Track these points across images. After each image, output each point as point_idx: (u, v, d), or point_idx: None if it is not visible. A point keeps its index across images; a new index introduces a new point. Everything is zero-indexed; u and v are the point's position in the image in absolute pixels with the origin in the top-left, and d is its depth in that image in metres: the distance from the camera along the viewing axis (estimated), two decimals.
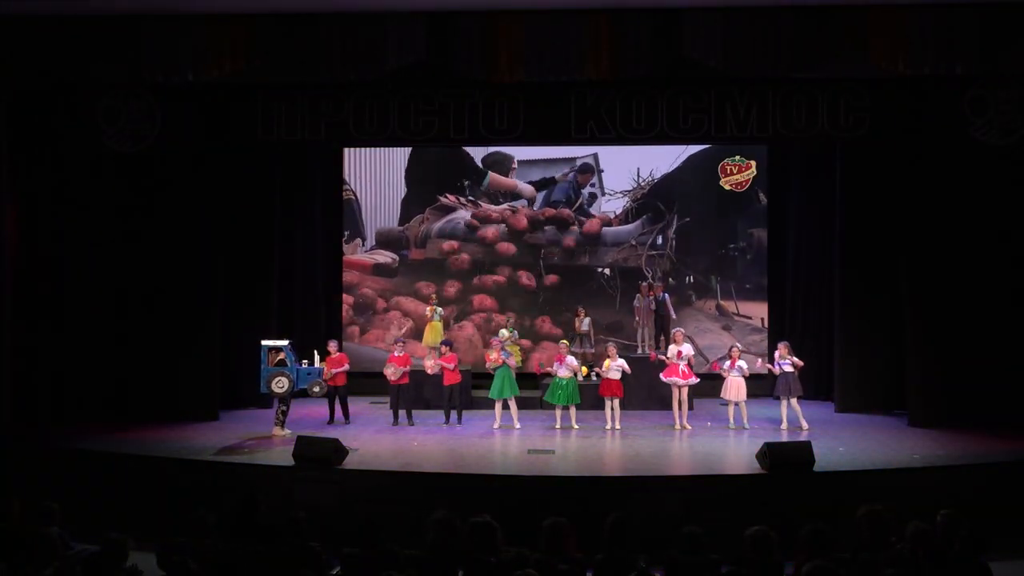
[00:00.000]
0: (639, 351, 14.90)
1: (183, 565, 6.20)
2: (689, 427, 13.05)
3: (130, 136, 13.24)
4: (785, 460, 10.33)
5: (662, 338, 14.97)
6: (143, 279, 13.65)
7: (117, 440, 11.89)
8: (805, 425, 12.80)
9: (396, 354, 13.57)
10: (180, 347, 13.49)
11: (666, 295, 15.23)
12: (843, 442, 11.94)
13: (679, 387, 13.14)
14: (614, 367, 13.07)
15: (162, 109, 13.17)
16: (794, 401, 12.90)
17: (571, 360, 13.17)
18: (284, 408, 12.59)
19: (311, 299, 15.99)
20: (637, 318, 15.15)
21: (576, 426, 13.06)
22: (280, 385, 12.48)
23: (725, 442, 12.39)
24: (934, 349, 13.16)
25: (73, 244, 13.42)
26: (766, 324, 15.86)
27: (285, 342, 12.83)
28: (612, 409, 13.09)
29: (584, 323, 15.12)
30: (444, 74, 12.02)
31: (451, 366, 13.44)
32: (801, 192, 15.61)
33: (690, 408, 13.62)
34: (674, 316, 15.24)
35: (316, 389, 12.93)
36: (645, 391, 14.03)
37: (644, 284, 15.28)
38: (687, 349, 13.34)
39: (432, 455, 11.60)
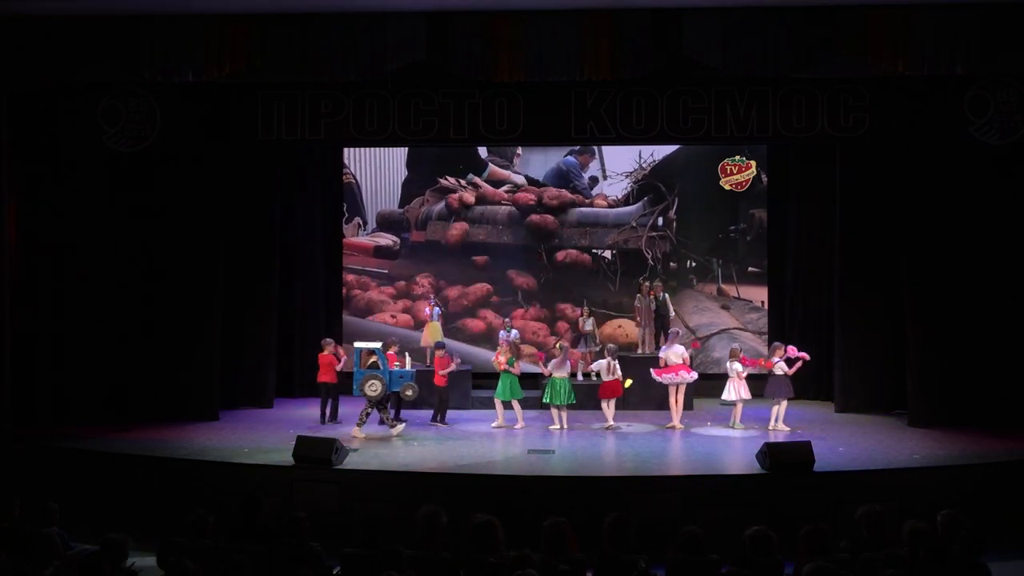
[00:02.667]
0: (639, 351, 14.90)
1: (182, 565, 6.19)
2: (681, 426, 13.02)
3: (130, 136, 13.26)
4: (785, 460, 10.32)
5: (662, 337, 14.96)
6: (143, 278, 13.67)
7: (117, 440, 11.88)
8: (784, 427, 12.76)
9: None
10: (180, 347, 13.50)
11: (666, 295, 15.23)
12: (843, 442, 11.94)
13: (674, 386, 13.13)
14: (612, 368, 13.07)
15: (162, 109, 13.18)
16: (784, 403, 12.87)
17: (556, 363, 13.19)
18: (369, 410, 12.48)
19: (312, 297, 15.97)
20: (637, 318, 15.14)
21: (566, 426, 13.04)
22: (373, 388, 12.37)
23: (725, 442, 12.39)
24: (934, 349, 13.16)
25: (73, 244, 13.42)
26: (766, 306, 15.90)
27: (378, 344, 12.78)
28: (608, 409, 13.08)
29: (588, 323, 15.10)
30: (444, 74, 12.01)
31: (445, 369, 13.42)
32: (801, 192, 15.59)
33: (689, 408, 13.63)
34: (672, 316, 15.23)
35: (409, 393, 12.76)
36: (643, 391, 14.00)
37: (644, 284, 15.27)
38: (682, 349, 13.33)
39: (432, 455, 11.59)
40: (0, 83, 11.89)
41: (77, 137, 13.27)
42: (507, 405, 13.24)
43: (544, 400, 13.30)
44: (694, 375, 13.36)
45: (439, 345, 13.82)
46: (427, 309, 15.17)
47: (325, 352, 13.61)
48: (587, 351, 14.94)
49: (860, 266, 14.20)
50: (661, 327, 14.97)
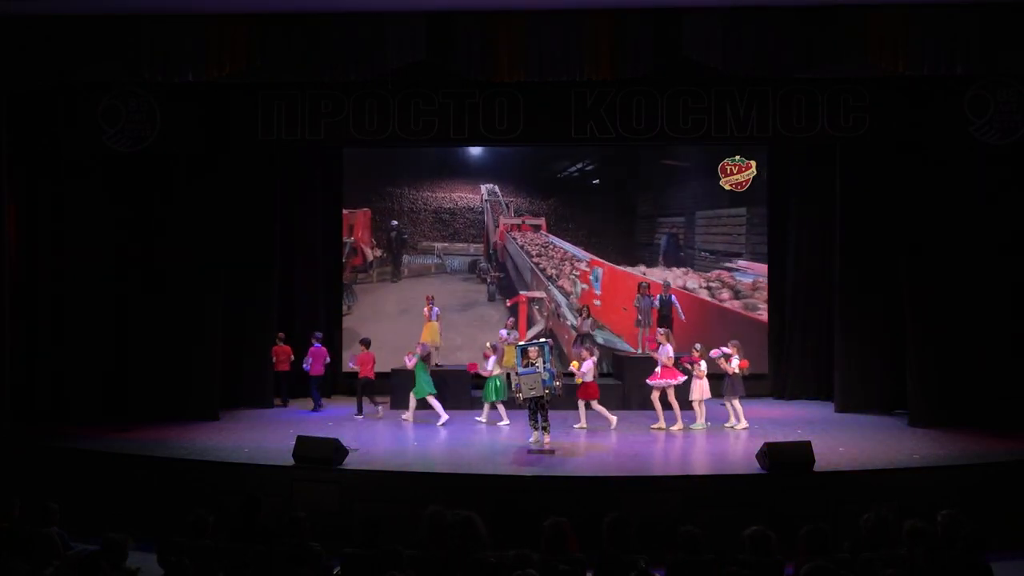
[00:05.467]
0: (639, 351, 14.90)
1: (182, 565, 6.19)
2: (681, 426, 12.93)
3: (130, 136, 13.25)
4: (785, 460, 10.31)
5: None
6: (143, 278, 13.67)
7: (117, 440, 11.88)
8: (743, 425, 12.81)
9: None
10: (180, 347, 13.51)
11: (672, 296, 15.20)
12: (843, 442, 11.93)
13: (659, 388, 13.10)
14: (586, 369, 12.95)
15: (162, 109, 13.18)
16: (736, 401, 12.89)
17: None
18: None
19: (312, 297, 15.97)
20: (639, 317, 15.14)
21: (507, 421, 13.16)
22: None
23: (724, 442, 12.39)
24: (934, 349, 13.16)
25: (73, 244, 13.43)
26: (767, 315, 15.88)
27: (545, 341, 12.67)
28: (587, 410, 12.97)
29: (587, 323, 15.10)
30: (444, 74, 12.02)
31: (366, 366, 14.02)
32: (801, 192, 15.61)
33: (685, 408, 13.59)
34: (683, 318, 15.17)
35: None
36: (643, 391, 13.98)
37: (643, 284, 15.27)
38: (667, 350, 13.24)
39: (432, 455, 11.60)
40: (0, 83, 11.89)
41: (77, 137, 13.27)
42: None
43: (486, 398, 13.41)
44: (682, 378, 13.28)
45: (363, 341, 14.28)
46: (425, 310, 15.16)
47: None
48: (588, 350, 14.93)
49: (860, 266, 14.20)
50: (665, 326, 14.96)
